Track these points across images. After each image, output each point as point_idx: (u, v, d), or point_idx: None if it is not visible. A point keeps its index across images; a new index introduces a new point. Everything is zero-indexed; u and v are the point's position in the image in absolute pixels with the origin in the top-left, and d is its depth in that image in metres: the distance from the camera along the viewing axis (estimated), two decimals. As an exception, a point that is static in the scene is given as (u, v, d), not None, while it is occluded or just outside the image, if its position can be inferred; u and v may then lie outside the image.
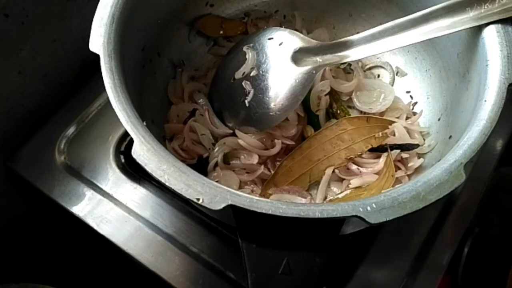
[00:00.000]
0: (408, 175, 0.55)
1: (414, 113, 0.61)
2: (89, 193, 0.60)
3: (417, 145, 0.56)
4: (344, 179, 0.56)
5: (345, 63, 0.62)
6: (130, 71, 0.47)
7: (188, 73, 0.63)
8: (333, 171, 0.56)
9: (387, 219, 0.37)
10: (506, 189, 0.76)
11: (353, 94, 0.63)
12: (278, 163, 0.57)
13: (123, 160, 0.63)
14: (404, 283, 0.54)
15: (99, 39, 0.45)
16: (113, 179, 0.61)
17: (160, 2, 0.56)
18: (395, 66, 0.65)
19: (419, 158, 0.56)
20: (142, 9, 0.51)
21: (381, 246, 0.56)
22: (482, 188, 0.61)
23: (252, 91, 0.56)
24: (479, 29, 0.47)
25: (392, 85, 0.64)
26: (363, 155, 0.56)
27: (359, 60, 0.66)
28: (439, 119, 0.57)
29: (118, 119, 0.41)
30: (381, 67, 0.66)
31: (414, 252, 0.55)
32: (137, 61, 0.54)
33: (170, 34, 0.61)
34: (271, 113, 0.55)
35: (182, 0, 0.60)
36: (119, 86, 0.42)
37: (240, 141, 0.57)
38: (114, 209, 0.58)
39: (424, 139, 0.57)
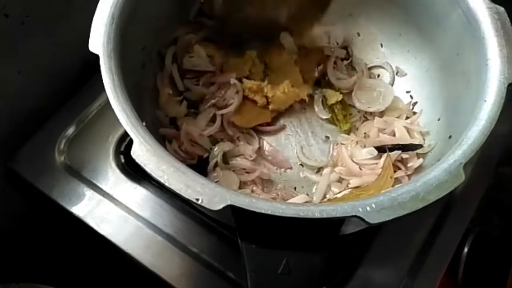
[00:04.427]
0: (408, 175, 0.55)
1: (414, 113, 0.61)
2: (89, 193, 0.59)
3: (420, 146, 0.56)
4: (343, 179, 0.56)
5: (349, 60, 0.65)
6: (130, 71, 0.47)
7: (188, 73, 0.63)
8: (333, 171, 0.56)
9: (387, 219, 0.37)
10: (506, 189, 0.76)
11: (353, 93, 0.63)
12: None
13: (123, 160, 0.63)
14: (404, 283, 0.54)
15: (99, 39, 0.45)
16: (113, 179, 0.61)
17: (160, 2, 0.55)
18: (395, 66, 0.65)
19: (419, 158, 0.56)
20: (142, 9, 0.51)
21: (381, 246, 0.56)
22: (482, 188, 0.61)
23: None
24: (479, 28, 0.47)
25: (392, 85, 0.64)
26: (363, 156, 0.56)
27: (362, 59, 0.66)
28: (439, 119, 0.56)
29: (118, 120, 0.41)
30: (381, 67, 0.66)
31: (414, 252, 0.55)
32: (137, 61, 0.54)
33: (170, 34, 0.61)
34: None
35: (182, 0, 0.60)
36: (118, 86, 0.42)
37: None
38: (114, 209, 0.58)
39: (424, 139, 0.57)
